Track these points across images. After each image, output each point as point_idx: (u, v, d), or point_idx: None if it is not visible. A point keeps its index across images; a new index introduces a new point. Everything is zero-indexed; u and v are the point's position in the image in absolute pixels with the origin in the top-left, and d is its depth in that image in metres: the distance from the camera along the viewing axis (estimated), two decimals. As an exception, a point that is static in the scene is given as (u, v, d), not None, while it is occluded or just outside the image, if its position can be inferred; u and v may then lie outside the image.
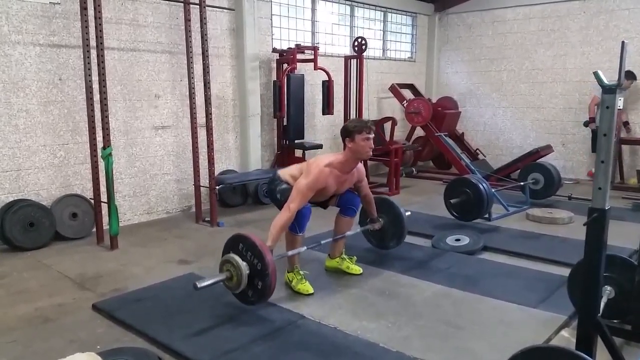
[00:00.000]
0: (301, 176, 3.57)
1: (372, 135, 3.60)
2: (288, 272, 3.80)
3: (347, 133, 3.59)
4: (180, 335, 3.01)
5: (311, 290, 3.67)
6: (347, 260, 4.10)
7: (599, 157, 2.11)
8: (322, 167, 3.55)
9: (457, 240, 4.77)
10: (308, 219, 3.65)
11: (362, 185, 4.03)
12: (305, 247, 3.73)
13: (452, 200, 5.45)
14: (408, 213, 4.40)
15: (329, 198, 3.97)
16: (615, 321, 2.91)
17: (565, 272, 3.40)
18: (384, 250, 4.52)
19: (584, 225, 2.19)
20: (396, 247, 4.47)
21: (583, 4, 8.18)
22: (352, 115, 7.57)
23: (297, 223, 3.59)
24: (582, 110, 8.36)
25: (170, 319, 3.23)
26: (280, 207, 3.60)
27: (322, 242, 3.91)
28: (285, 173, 3.83)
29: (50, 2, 4.89)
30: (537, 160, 7.24)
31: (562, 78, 8.54)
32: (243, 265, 3.11)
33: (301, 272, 3.74)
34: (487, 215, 5.51)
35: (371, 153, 3.68)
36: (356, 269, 4.06)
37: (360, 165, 3.92)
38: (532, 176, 6.54)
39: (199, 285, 3.07)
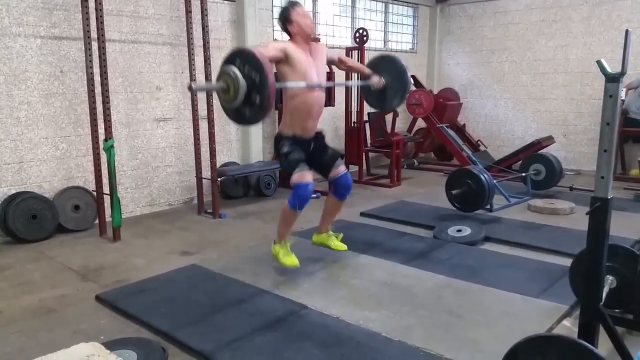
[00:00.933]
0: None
1: (305, 10, 3.64)
2: (275, 244, 3.84)
3: (284, 18, 3.59)
4: (183, 326, 3.03)
5: (296, 263, 3.74)
6: (333, 236, 4.16)
7: (602, 146, 2.10)
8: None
9: (459, 231, 4.78)
10: (309, 199, 3.68)
11: (330, 56, 3.94)
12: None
13: (453, 192, 5.45)
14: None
15: (326, 166, 3.91)
16: (617, 310, 2.92)
17: (567, 262, 3.41)
18: (388, 111, 4.25)
19: (586, 214, 2.19)
20: (399, 105, 4.28)
21: (585, -6, 8.15)
22: (354, 106, 7.55)
23: (299, 203, 3.63)
24: (583, 101, 8.34)
25: (173, 310, 3.24)
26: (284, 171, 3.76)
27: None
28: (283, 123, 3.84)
29: (50, -6, 4.87)
30: (539, 151, 7.23)
31: (564, 69, 8.51)
32: (241, 77, 2.95)
33: (287, 244, 3.81)
34: (488, 206, 5.51)
35: (312, 27, 3.67)
36: (342, 245, 4.13)
37: (325, 47, 3.89)
38: (533, 167, 6.53)
39: (193, 87, 2.93)
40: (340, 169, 3.92)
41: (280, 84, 3.48)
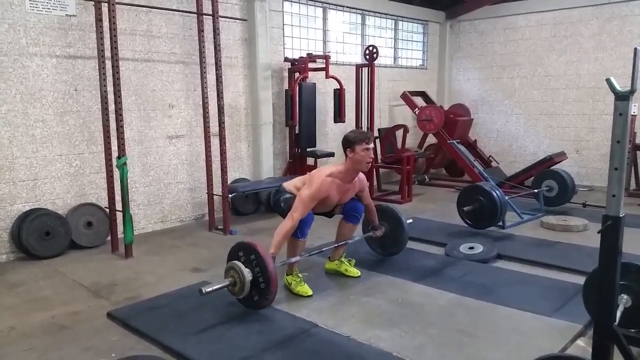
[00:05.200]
0: (304, 186, 3.69)
1: (371, 146, 3.72)
2: (287, 275, 3.88)
3: (348, 144, 3.70)
4: (193, 343, 3.03)
5: (310, 292, 3.75)
6: (345, 263, 4.20)
7: (613, 164, 2.09)
8: (324, 177, 3.66)
9: (471, 248, 4.75)
10: (310, 225, 3.76)
11: (363, 195, 4.11)
12: (304, 254, 3.87)
13: (465, 208, 5.43)
14: (410, 221, 4.47)
15: (333, 208, 4.04)
16: (632, 330, 2.86)
17: (580, 280, 3.37)
18: (386, 256, 4.57)
19: (598, 233, 2.17)
20: (396, 254, 4.54)
21: (596, 10, 8.14)
22: (364, 123, 7.59)
23: (299, 229, 3.70)
24: (595, 116, 8.30)
25: (183, 327, 3.25)
26: (283, 216, 3.73)
27: (324, 249, 4.09)
28: (289, 185, 3.96)
29: (66, 15, 4.98)
30: (551, 167, 7.18)
31: (575, 84, 8.49)
32: (246, 272, 3.25)
33: (300, 275, 3.84)
34: (500, 223, 5.47)
35: (370, 164, 3.78)
36: (354, 271, 4.16)
37: (362, 176, 3.99)
38: (546, 183, 6.48)
39: (204, 291, 3.21)
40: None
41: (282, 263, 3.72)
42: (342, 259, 4.20)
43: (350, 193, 3.93)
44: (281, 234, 3.53)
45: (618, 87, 2.05)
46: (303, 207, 3.57)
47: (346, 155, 3.73)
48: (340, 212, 4.10)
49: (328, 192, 3.67)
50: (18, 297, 3.90)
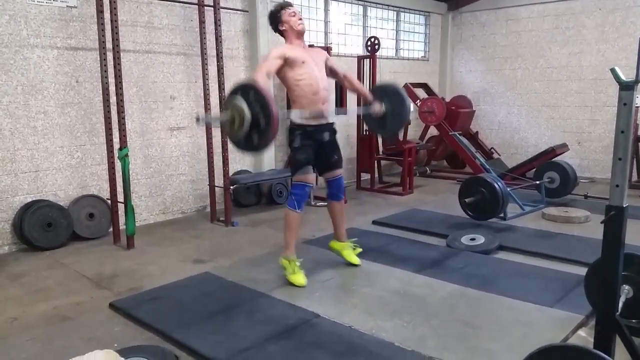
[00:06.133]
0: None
1: (295, 10, 3.79)
2: (283, 258, 3.87)
3: (275, 18, 3.79)
4: (196, 334, 3.04)
5: (304, 283, 3.74)
6: (349, 248, 4.18)
7: (616, 154, 2.09)
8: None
9: (472, 239, 4.75)
10: (306, 198, 3.85)
11: (333, 66, 4.01)
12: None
13: (466, 200, 5.42)
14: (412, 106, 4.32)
15: (326, 160, 3.97)
16: (633, 321, 2.87)
17: (582, 271, 3.37)
18: (387, 136, 4.52)
19: (601, 222, 2.17)
20: (397, 130, 4.58)
21: (599, 1, 8.09)
22: (366, 115, 7.56)
23: (297, 202, 3.77)
24: (597, 108, 8.27)
25: (186, 318, 3.26)
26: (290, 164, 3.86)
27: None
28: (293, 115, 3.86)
29: (67, 6, 4.96)
30: (553, 159, 7.17)
31: (577, 76, 8.45)
32: (247, 108, 3.06)
33: (297, 262, 3.82)
34: (502, 215, 5.47)
35: (303, 24, 3.79)
36: (355, 259, 4.16)
37: (328, 56, 4.00)
38: (547, 175, 6.48)
39: (200, 118, 3.28)
40: (338, 172, 4.05)
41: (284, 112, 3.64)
42: (350, 243, 4.19)
43: (317, 55, 3.88)
44: (259, 77, 3.47)
45: (623, 77, 2.05)
46: (267, 62, 3.55)
47: (281, 33, 3.80)
48: (327, 185, 4.07)
49: (285, 53, 3.61)
50: (21, 288, 3.92)
